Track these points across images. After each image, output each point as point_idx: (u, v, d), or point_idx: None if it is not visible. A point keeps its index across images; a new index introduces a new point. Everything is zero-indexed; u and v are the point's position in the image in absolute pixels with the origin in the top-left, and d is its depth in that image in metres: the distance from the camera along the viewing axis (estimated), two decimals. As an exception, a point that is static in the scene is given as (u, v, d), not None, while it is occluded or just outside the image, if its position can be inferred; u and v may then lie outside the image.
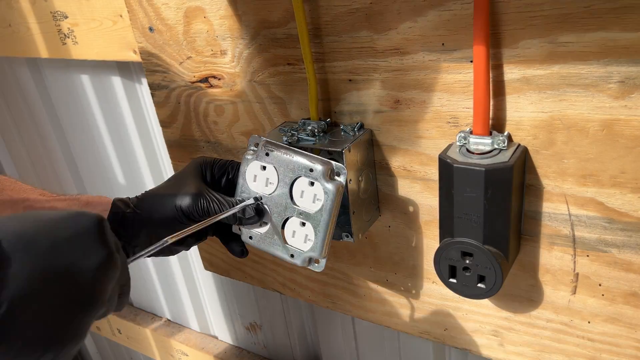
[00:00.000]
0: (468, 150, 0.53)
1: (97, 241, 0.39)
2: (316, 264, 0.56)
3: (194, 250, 0.93)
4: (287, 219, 0.57)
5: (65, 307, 0.37)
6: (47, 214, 0.39)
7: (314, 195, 0.54)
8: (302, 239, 0.56)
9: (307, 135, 0.63)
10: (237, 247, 0.63)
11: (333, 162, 0.54)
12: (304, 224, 0.56)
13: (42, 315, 0.36)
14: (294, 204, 0.56)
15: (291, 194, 0.56)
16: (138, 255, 0.48)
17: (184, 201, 0.57)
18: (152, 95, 0.81)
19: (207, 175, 0.62)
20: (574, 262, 0.56)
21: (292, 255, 0.57)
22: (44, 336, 0.36)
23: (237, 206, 0.57)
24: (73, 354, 0.39)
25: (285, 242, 0.57)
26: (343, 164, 0.59)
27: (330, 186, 0.53)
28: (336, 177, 0.54)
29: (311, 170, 0.54)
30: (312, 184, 0.54)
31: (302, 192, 0.55)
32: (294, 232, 0.56)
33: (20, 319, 0.34)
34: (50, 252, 0.37)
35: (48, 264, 0.36)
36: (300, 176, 0.55)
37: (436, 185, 0.58)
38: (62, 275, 0.37)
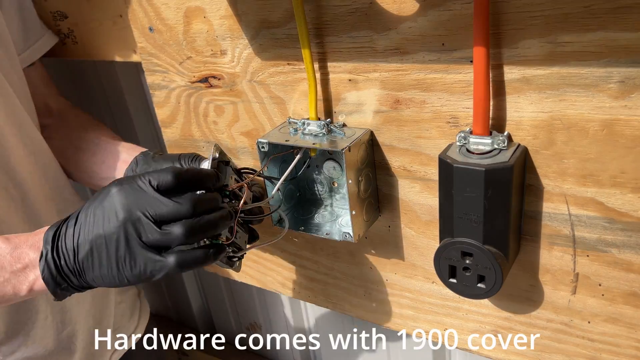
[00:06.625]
0: (468, 150, 0.53)
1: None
2: None
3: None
4: None
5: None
6: None
7: None
8: None
9: (307, 135, 0.63)
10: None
11: None
12: None
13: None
14: None
15: None
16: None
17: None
18: (152, 95, 0.81)
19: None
20: (574, 262, 0.56)
21: None
22: None
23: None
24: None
25: None
26: (343, 164, 0.59)
27: None
28: None
29: None
30: None
31: None
32: None
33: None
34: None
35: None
36: None
37: (436, 185, 0.58)
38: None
